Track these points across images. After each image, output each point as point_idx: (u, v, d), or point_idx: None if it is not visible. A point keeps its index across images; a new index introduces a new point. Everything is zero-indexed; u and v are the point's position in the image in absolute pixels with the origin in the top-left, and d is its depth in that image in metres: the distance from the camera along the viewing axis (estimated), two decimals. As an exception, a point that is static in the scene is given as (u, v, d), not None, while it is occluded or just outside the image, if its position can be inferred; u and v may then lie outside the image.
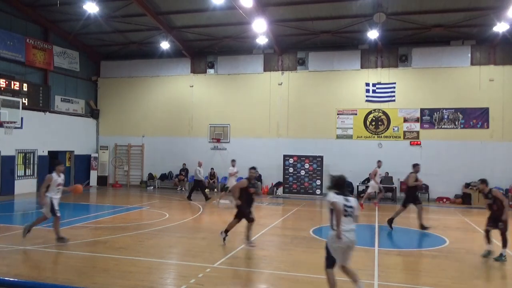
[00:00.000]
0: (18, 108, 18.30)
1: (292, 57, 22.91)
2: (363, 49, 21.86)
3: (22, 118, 18.58)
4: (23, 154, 20.61)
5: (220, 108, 23.71)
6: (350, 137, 21.92)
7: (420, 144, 21.02)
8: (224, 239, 10.10)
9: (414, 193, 12.92)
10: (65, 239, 9.88)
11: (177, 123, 24.45)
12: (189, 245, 10.35)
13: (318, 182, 21.79)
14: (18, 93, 19.83)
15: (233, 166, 18.11)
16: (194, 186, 19.28)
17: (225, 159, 23.28)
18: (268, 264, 8.76)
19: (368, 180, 21.01)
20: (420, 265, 8.99)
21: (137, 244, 10.11)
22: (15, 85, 19.92)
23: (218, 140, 23.60)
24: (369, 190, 17.95)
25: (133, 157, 25.25)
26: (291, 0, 18.59)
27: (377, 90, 21.61)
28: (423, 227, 12.43)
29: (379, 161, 17.84)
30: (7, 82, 19.46)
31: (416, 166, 12.99)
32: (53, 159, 10.80)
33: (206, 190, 19.72)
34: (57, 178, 10.09)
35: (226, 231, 10.14)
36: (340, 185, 6.42)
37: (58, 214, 9.98)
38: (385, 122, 21.52)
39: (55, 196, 10.00)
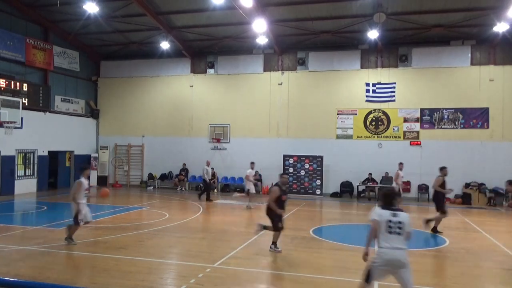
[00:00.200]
0: (18, 108, 18.30)
1: (292, 57, 22.91)
2: (363, 49, 21.86)
3: (22, 118, 18.58)
4: (23, 154, 20.60)
5: (220, 108, 23.71)
6: (350, 137, 21.92)
7: (420, 144, 21.01)
8: (276, 250, 9.53)
9: (443, 197, 12.39)
10: (73, 242, 9.83)
11: (177, 123, 24.45)
12: (189, 245, 10.35)
13: (318, 182, 21.79)
14: (18, 93, 19.83)
15: (252, 168, 18.05)
16: (205, 186, 19.22)
17: (225, 159, 23.31)
18: (268, 264, 8.76)
19: (368, 180, 21.06)
20: (420, 265, 8.98)
21: (137, 244, 10.11)
22: (15, 85, 19.94)
23: (218, 140, 23.60)
24: None
25: (133, 157, 25.25)
26: (291, 0, 18.59)
27: (377, 90, 21.61)
28: (435, 230, 12.21)
29: (401, 163, 17.59)
30: (7, 82, 19.46)
31: (443, 169, 12.30)
32: (84, 163, 10.69)
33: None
34: (85, 182, 10.05)
35: (274, 243, 9.62)
36: (387, 198, 5.90)
37: (81, 224, 9.95)
38: (385, 122, 21.52)
39: (81, 201, 9.91)
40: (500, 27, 18.11)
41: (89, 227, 11.92)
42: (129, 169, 25.19)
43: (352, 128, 21.89)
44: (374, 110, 21.63)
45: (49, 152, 22.00)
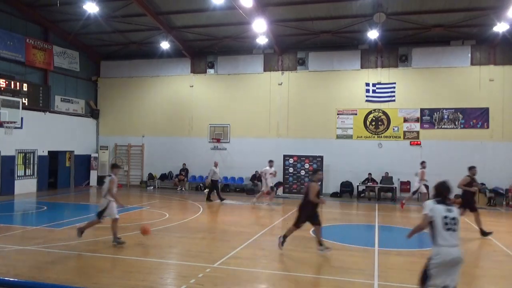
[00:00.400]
0: (18, 108, 18.31)
1: (292, 57, 22.91)
2: (363, 49, 21.86)
3: (22, 118, 18.59)
4: (23, 154, 20.60)
5: (220, 108, 23.71)
6: (350, 137, 21.92)
7: (420, 144, 21.01)
8: (323, 250, 9.43)
9: (471, 196, 12.20)
10: (81, 235, 9.91)
11: (177, 123, 24.45)
12: (189, 245, 10.35)
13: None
14: (18, 93, 19.83)
15: (271, 166, 18.13)
16: (212, 187, 19.21)
17: (225, 159, 23.29)
18: (268, 264, 8.76)
19: (367, 180, 21.05)
20: (420, 265, 8.93)
21: (137, 244, 10.11)
22: (15, 85, 19.93)
23: (218, 140, 23.60)
24: (424, 191, 17.17)
25: (133, 157, 25.25)
26: (291, 0, 18.59)
27: (377, 90, 21.61)
28: (483, 233, 11.90)
29: (423, 162, 17.14)
30: (7, 82, 19.45)
31: (472, 169, 12.10)
32: (113, 164, 10.69)
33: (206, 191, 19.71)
34: (116, 179, 10.09)
35: (320, 243, 9.52)
36: (441, 192, 5.55)
37: (102, 220, 10.01)
38: (385, 122, 21.52)
39: (111, 198, 9.91)
40: (500, 27, 18.11)
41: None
42: (129, 169, 25.19)
43: (352, 128, 21.89)
44: (374, 110, 21.63)
45: (49, 152, 22.00)
